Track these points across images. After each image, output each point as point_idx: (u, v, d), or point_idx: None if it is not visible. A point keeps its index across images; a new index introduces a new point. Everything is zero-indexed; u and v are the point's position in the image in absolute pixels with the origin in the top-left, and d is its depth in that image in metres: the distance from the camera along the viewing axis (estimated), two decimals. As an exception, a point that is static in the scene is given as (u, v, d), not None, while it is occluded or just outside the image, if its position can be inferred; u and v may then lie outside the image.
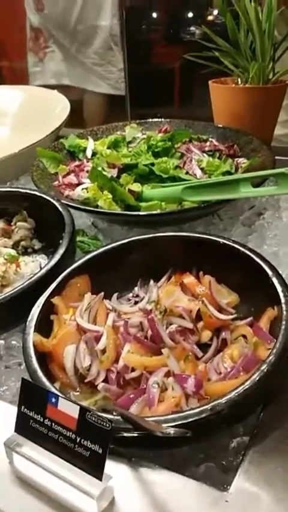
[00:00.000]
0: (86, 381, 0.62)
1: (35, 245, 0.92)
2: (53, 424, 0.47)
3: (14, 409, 0.58)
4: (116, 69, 2.34)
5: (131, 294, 0.79)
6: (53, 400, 0.47)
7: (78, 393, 0.62)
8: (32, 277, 0.72)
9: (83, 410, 0.46)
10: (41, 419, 0.48)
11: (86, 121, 2.38)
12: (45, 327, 0.67)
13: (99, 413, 0.46)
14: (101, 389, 0.60)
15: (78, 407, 0.46)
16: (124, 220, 0.95)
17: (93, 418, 0.45)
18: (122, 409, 0.52)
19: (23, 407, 0.49)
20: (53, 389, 0.54)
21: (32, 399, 0.49)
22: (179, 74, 2.66)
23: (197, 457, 0.56)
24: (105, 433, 0.44)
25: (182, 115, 1.34)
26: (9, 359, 0.70)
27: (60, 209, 0.84)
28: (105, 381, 0.62)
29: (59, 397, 0.47)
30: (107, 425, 0.44)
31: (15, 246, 0.91)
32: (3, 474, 0.50)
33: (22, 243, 0.91)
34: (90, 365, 0.63)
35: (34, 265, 0.86)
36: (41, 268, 0.86)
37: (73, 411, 0.46)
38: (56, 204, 0.86)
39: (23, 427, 0.49)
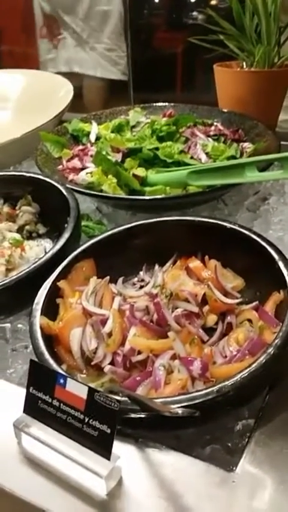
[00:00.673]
0: (92, 363, 0.62)
1: (40, 229, 0.92)
2: (62, 404, 0.48)
3: (21, 391, 0.58)
4: (125, 54, 2.32)
5: (136, 279, 0.79)
6: (61, 381, 0.48)
7: (84, 375, 0.63)
8: (37, 261, 0.72)
9: (92, 391, 0.46)
10: (50, 400, 0.48)
11: (86, 106, 2.36)
12: (51, 310, 0.67)
13: (107, 394, 0.46)
14: (108, 371, 0.60)
15: (87, 388, 0.46)
16: (128, 205, 0.94)
17: (102, 399, 0.45)
18: (129, 391, 0.52)
19: (31, 388, 0.50)
20: (60, 371, 0.55)
21: (41, 380, 0.49)
22: (182, 58, 2.63)
23: (202, 439, 0.57)
24: (113, 413, 0.45)
25: (185, 100, 1.32)
26: (16, 342, 0.70)
27: (65, 193, 0.84)
28: (112, 363, 0.62)
29: (67, 378, 0.48)
30: (115, 405, 0.45)
31: (19, 230, 0.91)
32: (12, 455, 0.51)
33: (27, 227, 0.91)
34: (96, 348, 0.63)
35: (39, 250, 0.86)
36: (46, 253, 0.86)
37: (81, 392, 0.46)
38: (61, 188, 0.85)
39: (32, 408, 0.50)
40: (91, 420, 0.46)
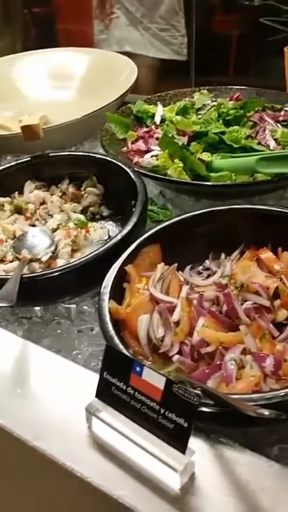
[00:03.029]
0: (160, 352, 0.61)
1: (103, 212, 0.91)
2: (136, 393, 0.47)
3: (88, 373, 0.58)
4: (179, 34, 2.29)
5: (201, 267, 0.77)
6: (138, 369, 0.47)
7: (150, 363, 0.62)
8: (106, 243, 0.71)
9: (169, 382, 0.45)
10: (124, 387, 0.48)
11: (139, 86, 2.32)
12: (117, 294, 0.66)
13: (186, 387, 0.45)
14: (176, 361, 0.59)
15: (165, 378, 0.45)
16: (194, 190, 0.92)
17: (180, 391, 0.44)
18: (203, 384, 0.51)
19: (105, 373, 0.49)
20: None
21: (116, 366, 0.49)
22: (243, 40, 2.54)
23: (270, 437, 0.55)
24: (191, 407, 0.43)
25: (247, 83, 1.27)
26: (81, 324, 0.70)
27: (133, 176, 0.82)
28: (179, 353, 0.61)
29: (144, 367, 0.47)
30: (195, 399, 0.43)
31: (83, 211, 0.90)
32: (82, 438, 0.51)
33: (91, 208, 0.90)
34: (163, 336, 0.62)
35: (102, 232, 0.86)
36: (109, 236, 0.86)
37: (158, 382, 0.45)
38: (129, 171, 0.84)
39: (105, 393, 0.49)
40: (167, 412, 0.45)
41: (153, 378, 0.46)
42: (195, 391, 0.45)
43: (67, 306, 0.72)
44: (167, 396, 0.45)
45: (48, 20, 3.09)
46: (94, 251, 0.69)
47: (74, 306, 0.72)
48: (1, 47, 2.32)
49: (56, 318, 0.71)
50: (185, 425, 0.44)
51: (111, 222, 0.90)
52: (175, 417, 0.44)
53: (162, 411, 0.45)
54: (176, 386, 0.44)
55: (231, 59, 2.55)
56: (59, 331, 0.69)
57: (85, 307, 0.72)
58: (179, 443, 0.44)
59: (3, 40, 2.40)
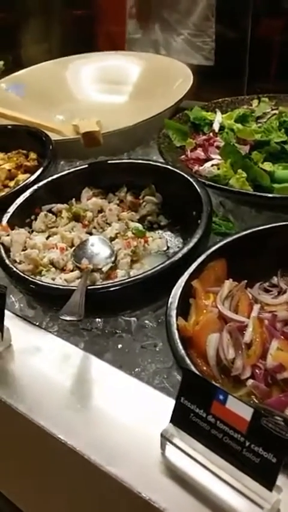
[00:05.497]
0: (232, 374, 0.58)
1: (161, 221, 0.88)
2: (218, 422, 0.44)
3: (156, 393, 0.56)
4: (210, 40, 2.27)
5: (267, 284, 0.73)
6: (221, 397, 0.44)
7: (218, 385, 0.59)
8: (171, 256, 0.68)
9: (257, 414, 0.42)
10: (204, 415, 0.45)
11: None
12: (182, 309, 0.64)
13: (277, 421, 0.41)
14: (250, 386, 0.56)
15: (252, 410, 0.42)
16: (257, 202, 0.88)
17: (270, 425, 0.41)
18: (283, 413, 0.48)
19: (183, 398, 0.46)
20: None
21: (195, 392, 0.46)
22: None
23: None
24: (283, 442, 0.40)
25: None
26: (143, 339, 0.67)
27: (197, 186, 0.79)
28: (251, 377, 0.58)
29: (229, 395, 0.44)
30: (287, 434, 0.40)
31: (141, 220, 0.88)
32: (156, 465, 0.48)
33: (148, 218, 0.88)
34: (234, 358, 0.59)
35: (161, 242, 0.83)
36: (167, 247, 0.83)
37: (245, 413, 0.42)
38: (192, 180, 0.81)
39: (181, 419, 0.46)
40: (253, 445, 0.42)
41: (239, 408, 0.43)
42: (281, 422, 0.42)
43: (127, 318, 0.70)
44: (253, 428, 0.42)
45: (87, 21, 3.10)
46: (160, 264, 0.67)
47: (134, 319, 0.69)
48: (43, 49, 2.35)
49: (116, 331, 0.69)
50: (274, 460, 0.41)
51: (169, 232, 0.87)
52: (262, 451, 0.41)
53: (247, 444, 0.42)
54: (265, 420, 0.41)
55: (281, 65, 2.50)
56: (120, 345, 0.67)
57: (146, 321, 0.69)
58: (267, 479, 0.41)
59: (44, 42, 2.43)
